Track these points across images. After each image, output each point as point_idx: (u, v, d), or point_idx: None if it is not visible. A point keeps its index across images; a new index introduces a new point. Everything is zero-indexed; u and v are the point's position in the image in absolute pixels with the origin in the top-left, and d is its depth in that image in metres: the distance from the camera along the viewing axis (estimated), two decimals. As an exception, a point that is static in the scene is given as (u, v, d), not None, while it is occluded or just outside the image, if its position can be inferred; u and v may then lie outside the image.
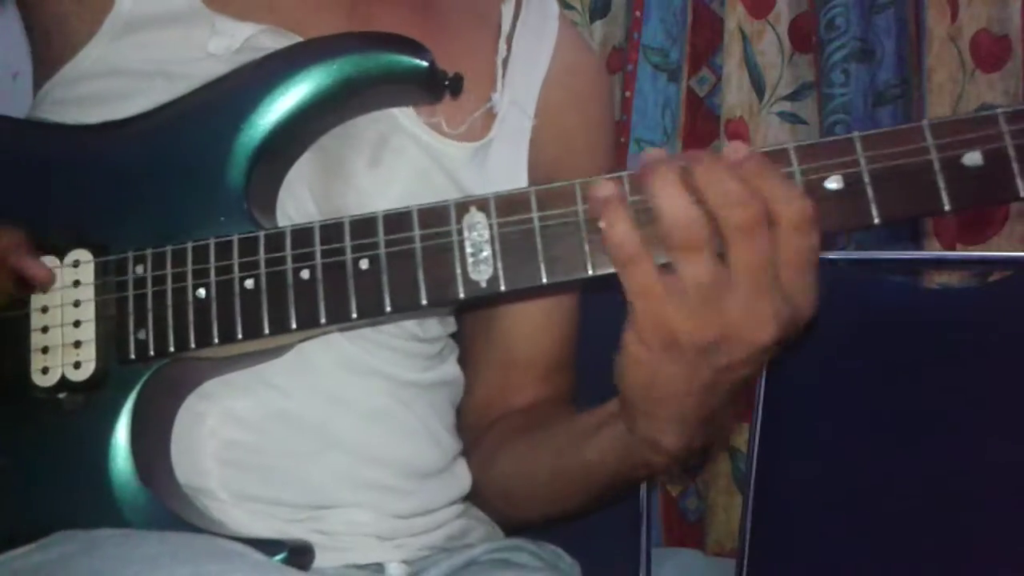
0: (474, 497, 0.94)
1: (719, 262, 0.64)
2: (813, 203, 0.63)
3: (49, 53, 0.88)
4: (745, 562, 1.15)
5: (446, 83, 0.82)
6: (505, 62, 0.93)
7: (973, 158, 0.64)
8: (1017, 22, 1.40)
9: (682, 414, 0.71)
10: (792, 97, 1.53)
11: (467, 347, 0.98)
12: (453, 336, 0.96)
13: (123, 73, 0.83)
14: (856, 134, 0.66)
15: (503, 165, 0.91)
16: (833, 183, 0.66)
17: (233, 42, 0.82)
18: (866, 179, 0.65)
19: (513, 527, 0.95)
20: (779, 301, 0.64)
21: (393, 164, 0.85)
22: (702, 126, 1.57)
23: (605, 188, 0.66)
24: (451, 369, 0.95)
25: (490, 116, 0.91)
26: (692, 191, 0.63)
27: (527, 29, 0.95)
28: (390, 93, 0.83)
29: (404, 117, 0.86)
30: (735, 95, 1.51)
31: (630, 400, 0.73)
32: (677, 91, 1.55)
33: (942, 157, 0.65)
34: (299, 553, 0.76)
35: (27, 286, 0.77)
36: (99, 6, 0.85)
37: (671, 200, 0.63)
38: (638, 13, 1.53)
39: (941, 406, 1.10)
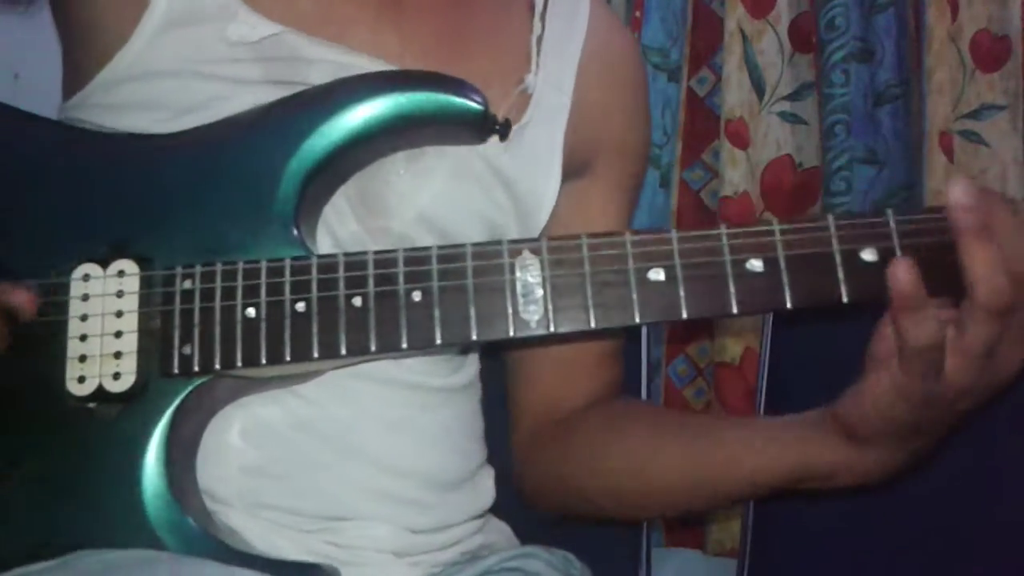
0: (545, 497, 0.95)
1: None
2: None
3: (85, 56, 0.87)
4: (745, 562, 1.15)
5: (496, 127, 0.83)
6: (539, 40, 0.92)
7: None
8: (1017, 22, 1.40)
9: (900, 447, 0.74)
10: (792, 97, 1.52)
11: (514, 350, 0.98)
12: None
13: (159, 75, 0.82)
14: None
15: (539, 147, 0.90)
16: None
17: (252, 33, 0.82)
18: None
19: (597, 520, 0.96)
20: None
21: (432, 158, 0.84)
22: (702, 126, 1.57)
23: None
24: (475, 368, 0.94)
25: (525, 98, 0.90)
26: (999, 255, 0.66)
27: (559, 6, 0.94)
28: (440, 132, 0.83)
29: None
30: (735, 95, 1.51)
31: (851, 426, 0.74)
32: (677, 91, 1.55)
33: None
34: None
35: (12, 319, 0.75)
36: (136, 5, 0.83)
37: (988, 270, 0.65)
38: (638, 13, 1.53)
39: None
